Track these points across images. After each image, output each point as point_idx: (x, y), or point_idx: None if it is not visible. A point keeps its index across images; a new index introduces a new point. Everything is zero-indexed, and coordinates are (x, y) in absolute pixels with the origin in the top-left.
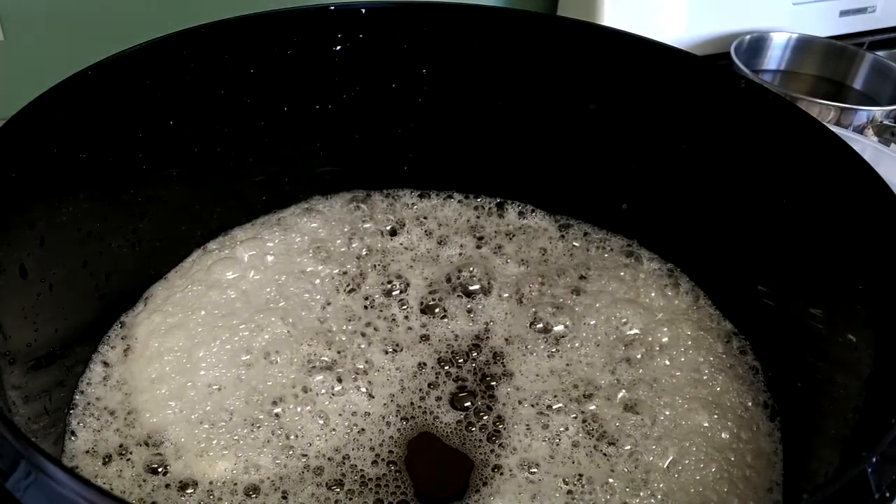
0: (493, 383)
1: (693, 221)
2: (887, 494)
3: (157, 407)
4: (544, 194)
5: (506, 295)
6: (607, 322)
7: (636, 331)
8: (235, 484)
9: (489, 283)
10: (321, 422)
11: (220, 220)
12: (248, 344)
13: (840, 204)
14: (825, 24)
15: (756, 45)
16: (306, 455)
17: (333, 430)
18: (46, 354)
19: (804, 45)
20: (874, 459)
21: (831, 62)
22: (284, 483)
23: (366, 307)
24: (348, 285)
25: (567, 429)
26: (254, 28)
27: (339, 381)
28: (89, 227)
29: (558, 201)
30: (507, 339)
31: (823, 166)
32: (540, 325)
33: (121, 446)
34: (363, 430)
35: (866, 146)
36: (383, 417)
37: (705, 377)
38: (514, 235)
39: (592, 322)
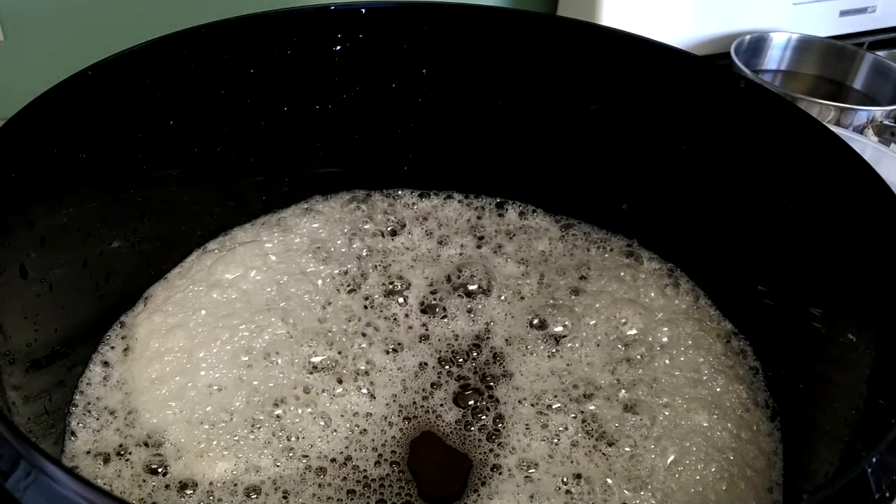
0: (493, 383)
1: (693, 221)
2: (887, 494)
3: (157, 407)
4: (545, 194)
5: (506, 295)
6: (607, 322)
7: (636, 331)
8: (235, 485)
9: (489, 283)
10: (322, 423)
11: (220, 220)
12: (248, 344)
13: (840, 204)
14: (825, 24)
15: (756, 45)
16: (307, 456)
17: (335, 431)
18: (46, 354)
19: (804, 45)
20: (874, 459)
21: (831, 62)
22: (285, 484)
23: (366, 307)
24: (349, 285)
25: (566, 429)
26: (254, 28)
27: (340, 381)
28: (89, 227)
29: (559, 201)
30: (507, 340)
31: (823, 166)
32: (540, 325)
33: (121, 446)
34: (365, 430)
35: (866, 146)
36: (385, 418)
37: (705, 377)
38: (514, 235)
39: (592, 322)
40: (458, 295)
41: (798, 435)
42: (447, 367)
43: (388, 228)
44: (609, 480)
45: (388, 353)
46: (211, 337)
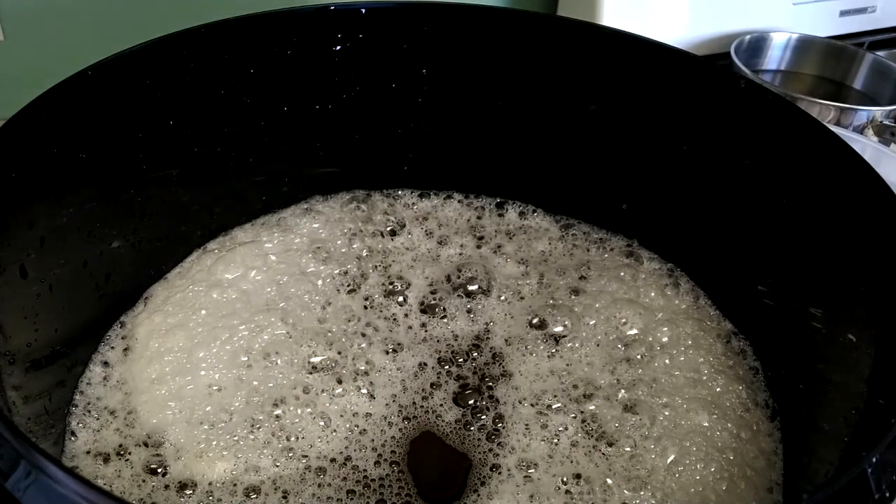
0: (493, 383)
1: (693, 221)
2: (887, 494)
3: (156, 407)
4: (545, 194)
5: (506, 295)
6: (607, 322)
7: (636, 331)
8: (235, 485)
9: (489, 284)
10: (322, 423)
11: (220, 220)
12: (248, 344)
13: (840, 204)
14: (825, 24)
15: (756, 45)
16: (307, 456)
17: (335, 431)
18: (46, 354)
19: (804, 45)
20: (874, 459)
21: (831, 62)
22: (285, 484)
23: (366, 307)
24: (349, 285)
25: (566, 429)
26: (254, 28)
27: (340, 381)
28: (89, 227)
29: (559, 201)
30: (506, 340)
31: (823, 166)
32: (540, 325)
33: (120, 446)
34: (365, 430)
35: (866, 146)
36: (385, 418)
37: (705, 377)
38: (514, 235)
39: (592, 322)
40: (458, 295)
41: (798, 435)
42: (447, 367)
43: (388, 228)
44: (609, 480)
45: (387, 353)
46: (211, 337)
